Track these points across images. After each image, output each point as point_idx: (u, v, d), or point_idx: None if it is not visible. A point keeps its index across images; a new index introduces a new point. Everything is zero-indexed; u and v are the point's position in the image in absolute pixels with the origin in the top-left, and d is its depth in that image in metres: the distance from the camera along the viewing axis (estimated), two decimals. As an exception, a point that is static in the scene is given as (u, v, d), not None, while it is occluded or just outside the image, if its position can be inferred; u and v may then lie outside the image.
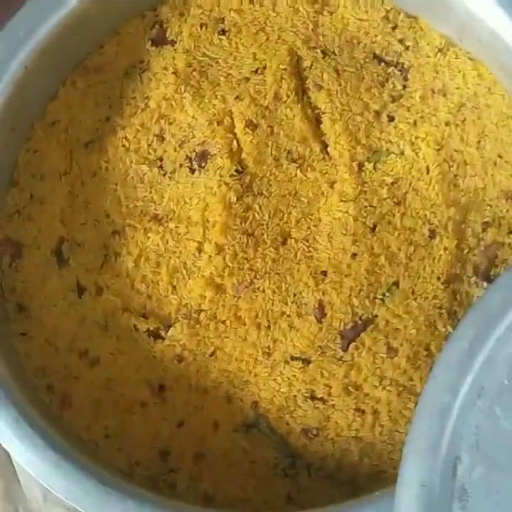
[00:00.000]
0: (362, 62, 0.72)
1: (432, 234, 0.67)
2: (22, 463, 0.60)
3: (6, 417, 0.61)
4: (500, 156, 0.69)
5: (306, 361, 0.66)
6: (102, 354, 0.67)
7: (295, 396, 0.65)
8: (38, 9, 0.68)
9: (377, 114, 0.70)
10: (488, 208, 0.68)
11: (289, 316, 0.66)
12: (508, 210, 0.68)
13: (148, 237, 0.68)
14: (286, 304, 0.67)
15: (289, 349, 0.66)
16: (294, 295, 0.67)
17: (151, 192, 0.70)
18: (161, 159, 0.70)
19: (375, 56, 0.72)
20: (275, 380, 0.66)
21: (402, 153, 0.69)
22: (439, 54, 0.72)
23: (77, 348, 0.67)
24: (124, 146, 0.70)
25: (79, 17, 0.69)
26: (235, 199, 0.68)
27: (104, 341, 0.67)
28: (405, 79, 0.72)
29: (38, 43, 0.68)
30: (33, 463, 0.60)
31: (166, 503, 0.60)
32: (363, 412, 0.65)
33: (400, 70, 0.72)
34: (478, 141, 0.70)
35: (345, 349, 0.66)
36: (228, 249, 0.67)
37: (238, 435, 0.65)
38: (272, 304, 0.67)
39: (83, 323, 0.67)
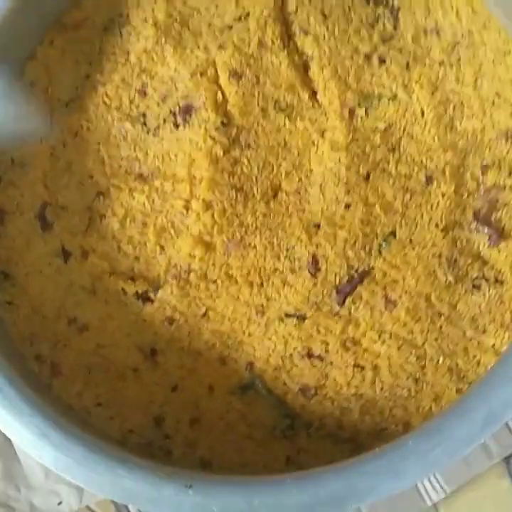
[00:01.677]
0: (350, 3, 0.68)
1: (429, 180, 0.64)
2: (8, 433, 0.58)
3: (-9, 387, 0.59)
4: (498, 95, 0.65)
5: (302, 318, 0.63)
6: (91, 320, 0.65)
7: (291, 354, 0.63)
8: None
9: (368, 57, 0.67)
10: (488, 149, 0.65)
11: (281, 272, 0.64)
12: (508, 152, 0.65)
13: (134, 197, 0.66)
14: (278, 259, 0.64)
15: (283, 306, 0.63)
16: (287, 250, 0.64)
17: (134, 150, 0.67)
18: (143, 115, 0.67)
19: (363, -4, 0.68)
20: (270, 339, 0.63)
21: (395, 96, 0.66)
22: (431, -10, 0.68)
23: (65, 314, 0.65)
24: (105, 103, 0.68)
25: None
26: (221, 153, 0.65)
27: (92, 307, 0.65)
28: (396, 19, 0.68)
29: (13, 1, 0.65)
30: (19, 432, 0.58)
31: (160, 469, 0.58)
32: (363, 368, 0.63)
33: (390, 10, 0.68)
34: (475, 80, 0.66)
35: (341, 304, 0.63)
36: (216, 205, 0.65)
37: (234, 397, 0.63)
38: (264, 260, 0.64)
39: (70, 289, 0.65)
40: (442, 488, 0.72)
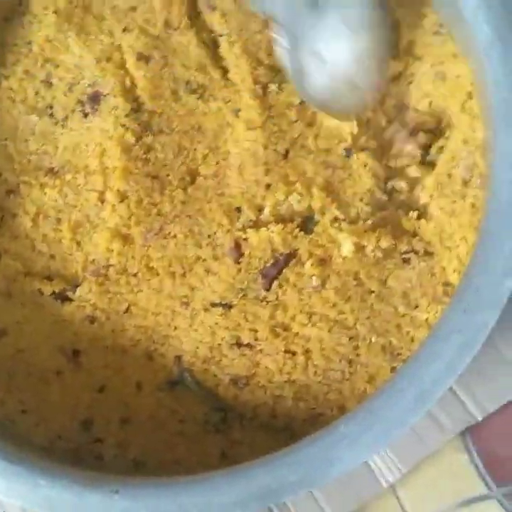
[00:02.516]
0: (257, -26, 0.65)
1: (349, 152, 0.62)
2: None
3: None
4: (416, 57, 0.63)
5: (228, 306, 0.61)
6: (8, 324, 0.62)
7: (220, 345, 0.61)
8: None
9: (279, 29, 0.64)
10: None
11: (204, 260, 0.61)
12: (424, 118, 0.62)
13: (45, 193, 0.63)
14: (200, 247, 0.61)
15: (207, 296, 0.61)
16: (208, 237, 0.62)
17: (43, 144, 0.64)
18: (51, 107, 0.65)
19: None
20: (196, 330, 0.61)
21: (309, 68, 0.63)
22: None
23: (-19, 320, 0.62)
24: (9, 97, 0.65)
25: None
26: (133, 140, 0.63)
27: (8, 310, 0.62)
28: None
29: None
30: None
31: (85, 475, 0.55)
32: (294, 353, 0.60)
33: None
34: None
35: (268, 288, 0.61)
36: (132, 195, 0.62)
37: (163, 394, 0.61)
38: (185, 249, 0.61)
39: (-16, 293, 0.62)
40: (398, 468, 0.70)
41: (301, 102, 0.62)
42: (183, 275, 0.61)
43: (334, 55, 0.55)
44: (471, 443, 0.69)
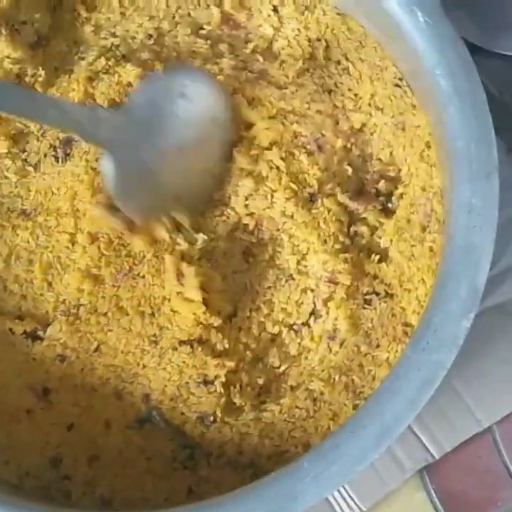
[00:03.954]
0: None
1: (313, 198, 0.64)
2: None
3: None
4: (377, 108, 0.66)
5: (195, 344, 0.62)
6: (-21, 363, 0.63)
7: (187, 383, 0.62)
8: None
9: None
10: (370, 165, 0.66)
11: (169, 300, 0.63)
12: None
13: (18, 235, 0.65)
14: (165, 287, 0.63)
15: (176, 334, 0.62)
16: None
17: (16, 187, 0.66)
18: (24, 151, 0.66)
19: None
20: (165, 368, 0.62)
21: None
22: (306, 12, 0.68)
23: (-48, 360, 0.63)
24: (-18, 142, 0.66)
25: None
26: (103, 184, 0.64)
27: (-21, 349, 0.63)
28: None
29: None
30: None
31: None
32: (260, 391, 0.62)
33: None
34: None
35: (234, 327, 0.62)
36: (102, 237, 0.64)
37: (132, 432, 0.62)
38: (153, 289, 0.63)
39: (-45, 333, 0.63)
40: (358, 506, 0.71)
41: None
42: (152, 314, 0.63)
43: None
44: (429, 481, 0.71)
